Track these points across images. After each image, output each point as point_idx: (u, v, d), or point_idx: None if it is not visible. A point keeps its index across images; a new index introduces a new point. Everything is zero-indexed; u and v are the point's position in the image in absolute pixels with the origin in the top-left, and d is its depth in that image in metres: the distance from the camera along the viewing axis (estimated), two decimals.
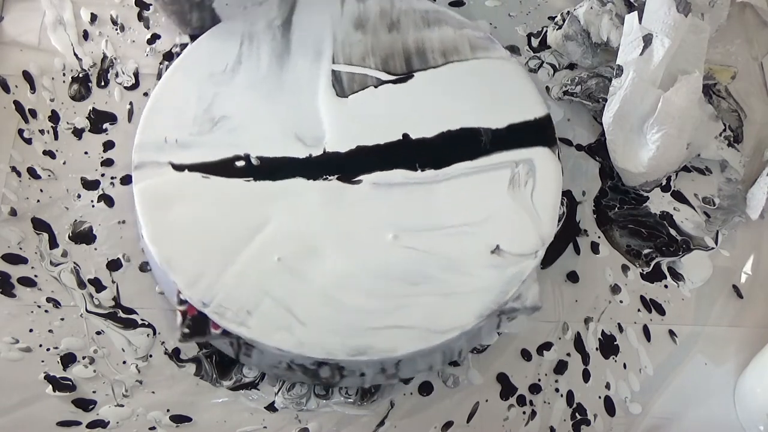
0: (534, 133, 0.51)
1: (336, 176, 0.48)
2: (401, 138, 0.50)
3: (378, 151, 0.50)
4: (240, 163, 0.48)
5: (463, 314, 0.45)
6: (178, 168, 0.48)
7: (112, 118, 0.56)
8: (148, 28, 0.59)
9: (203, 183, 0.47)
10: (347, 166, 0.49)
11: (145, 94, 0.56)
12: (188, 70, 0.51)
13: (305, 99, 0.51)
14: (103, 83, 0.57)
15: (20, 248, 0.52)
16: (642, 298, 0.53)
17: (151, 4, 0.59)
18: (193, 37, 0.53)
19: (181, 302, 0.45)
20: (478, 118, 0.51)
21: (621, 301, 0.53)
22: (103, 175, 0.54)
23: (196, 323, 0.45)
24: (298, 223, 0.47)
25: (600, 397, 0.50)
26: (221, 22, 0.53)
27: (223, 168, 0.48)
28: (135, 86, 0.57)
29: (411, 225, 0.48)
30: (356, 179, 0.49)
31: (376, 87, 0.51)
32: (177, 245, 0.46)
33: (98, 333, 0.50)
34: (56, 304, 0.50)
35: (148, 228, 0.46)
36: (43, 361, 0.49)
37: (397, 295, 0.45)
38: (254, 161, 0.48)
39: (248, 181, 0.48)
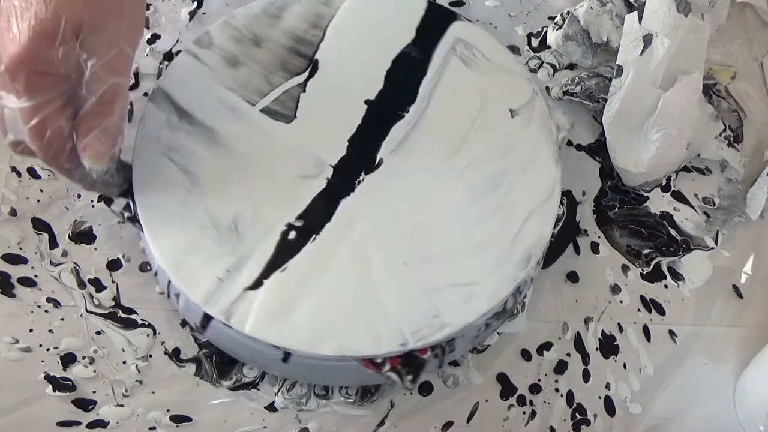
0: (436, 20, 0.54)
1: (363, 174, 0.49)
2: (367, 106, 0.50)
3: (365, 130, 0.50)
4: (292, 235, 0.46)
5: (548, 165, 0.49)
6: (255, 286, 0.45)
7: None
8: (148, 27, 0.59)
9: (286, 276, 0.45)
10: (359, 160, 0.49)
11: (145, 94, 0.56)
12: (162, 219, 0.46)
13: (271, 147, 0.49)
14: None
15: (20, 248, 0.52)
16: (642, 298, 0.53)
17: (151, 4, 0.59)
18: (124, 192, 0.47)
19: (379, 366, 0.44)
20: (392, 44, 0.52)
21: (621, 301, 0.53)
22: None
23: (410, 365, 0.44)
24: (383, 229, 0.47)
25: (600, 397, 0.50)
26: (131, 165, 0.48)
27: (285, 251, 0.46)
28: (135, 86, 0.57)
29: (447, 153, 0.49)
30: (377, 162, 0.49)
31: (304, 91, 0.51)
32: (334, 332, 0.44)
33: (98, 333, 0.50)
34: (56, 304, 0.50)
35: (300, 347, 0.43)
36: (43, 361, 0.49)
37: (506, 202, 0.48)
38: (298, 223, 0.47)
39: (314, 239, 0.46)
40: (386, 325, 0.44)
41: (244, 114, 0.49)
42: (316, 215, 0.47)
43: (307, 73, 0.51)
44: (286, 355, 0.45)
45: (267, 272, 0.45)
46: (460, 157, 0.49)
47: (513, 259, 0.46)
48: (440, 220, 0.48)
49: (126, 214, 0.47)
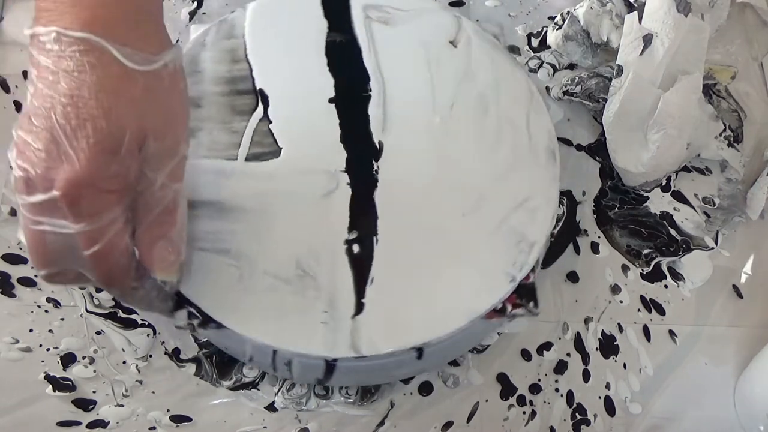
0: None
1: (374, 162, 0.49)
2: (334, 104, 0.50)
3: (347, 125, 0.50)
4: (356, 249, 0.46)
5: (512, 70, 0.52)
6: (359, 309, 0.44)
7: None
8: None
9: (378, 284, 0.45)
10: (363, 153, 0.49)
11: None
12: (235, 307, 0.44)
13: (280, 186, 0.47)
14: None
15: (20, 248, 0.52)
16: (642, 298, 0.53)
17: None
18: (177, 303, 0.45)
19: (502, 311, 0.45)
20: (314, 41, 0.52)
21: (621, 301, 0.53)
22: None
23: (526, 294, 0.46)
24: (425, 198, 0.48)
25: (600, 397, 0.50)
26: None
27: (362, 265, 0.45)
28: None
29: (427, 105, 0.51)
30: (379, 147, 0.49)
31: (271, 122, 0.49)
32: (453, 304, 0.45)
33: (98, 333, 0.50)
34: (56, 304, 0.50)
35: (438, 334, 0.44)
36: (43, 361, 0.49)
37: (501, 119, 0.50)
38: (354, 236, 0.46)
39: (377, 241, 0.46)
40: (488, 273, 0.45)
41: (233, 172, 0.47)
42: (363, 219, 0.47)
43: (261, 106, 0.50)
44: (420, 351, 0.45)
45: (360, 292, 0.45)
46: (441, 103, 0.51)
47: (541, 160, 0.49)
48: (463, 164, 0.49)
49: (195, 322, 0.44)
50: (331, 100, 0.50)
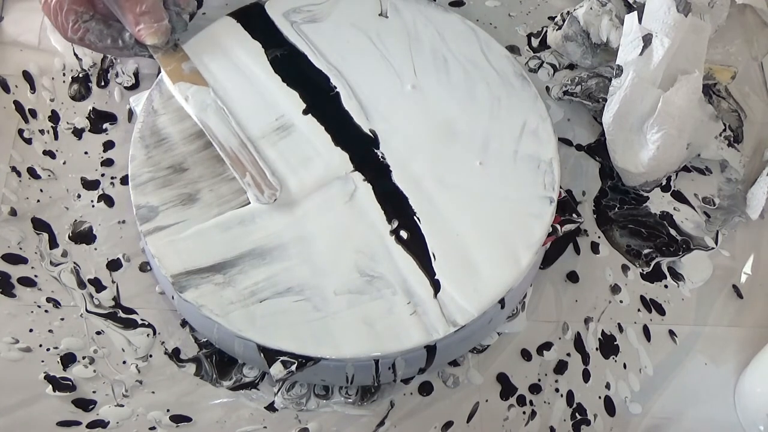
0: (251, 19, 0.54)
1: (377, 150, 0.49)
2: (310, 113, 0.51)
3: (333, 127, 0.50)
4: (404, 234, 0.47)
5: (455, 21, 0.55)
6: (437, 288, 0.46)
7: (112, 118, 0.56)
8: None
9: (442, 258, 0.46)
10: (362, 147, 0.50)
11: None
12: (338, 337, 0.44)
13: (305, 208, 0.47)
14: (103, 83, 0.57)
15: (20, 248, 0.52)
16: (642, 298, 0.53)
17: None
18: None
19: (554, 233, 0.49)
20: (259, 64, 0.52)
21: (621, 301, 0.53)
22: (103, 175, 0.54)
23: (564, 208, 0.50)
24: (441, 164, 0.50)
25: (600, 397, 0.50)
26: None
27: (417, 246, 0.46)
28: (135, 86, 0.57)
29: (397, 79, 0.52)
30: (373, 136, 0.50)
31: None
32: (521, 249, 0.47)
33: (98, 333, 0.50)
34: (56, 304, 0.50)
35: (521, 277, 0.46)
36: (43, 361, 0.49)
37: (484, 79, 0.53)
38: (395, 224, 0.47)
39: (420, 220, 0.47)
40: (528, 204, 0.48)
41: (253, 215, 0.47)
42: (396, 206, 0.48)
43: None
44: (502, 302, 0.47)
45: (429, 272, 0.46)
46: (404, 72, 0.52)
47: (516, 86, 0.52)
48: (454, 117, 0.51)
49: (293, 368, 0.44)
50: (305, 112, 0.51)
